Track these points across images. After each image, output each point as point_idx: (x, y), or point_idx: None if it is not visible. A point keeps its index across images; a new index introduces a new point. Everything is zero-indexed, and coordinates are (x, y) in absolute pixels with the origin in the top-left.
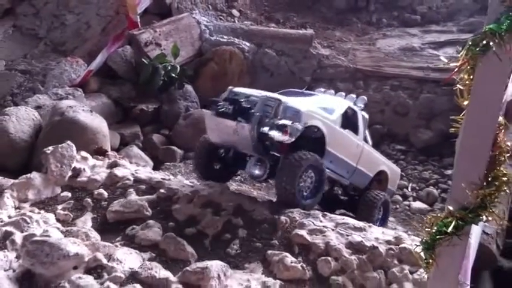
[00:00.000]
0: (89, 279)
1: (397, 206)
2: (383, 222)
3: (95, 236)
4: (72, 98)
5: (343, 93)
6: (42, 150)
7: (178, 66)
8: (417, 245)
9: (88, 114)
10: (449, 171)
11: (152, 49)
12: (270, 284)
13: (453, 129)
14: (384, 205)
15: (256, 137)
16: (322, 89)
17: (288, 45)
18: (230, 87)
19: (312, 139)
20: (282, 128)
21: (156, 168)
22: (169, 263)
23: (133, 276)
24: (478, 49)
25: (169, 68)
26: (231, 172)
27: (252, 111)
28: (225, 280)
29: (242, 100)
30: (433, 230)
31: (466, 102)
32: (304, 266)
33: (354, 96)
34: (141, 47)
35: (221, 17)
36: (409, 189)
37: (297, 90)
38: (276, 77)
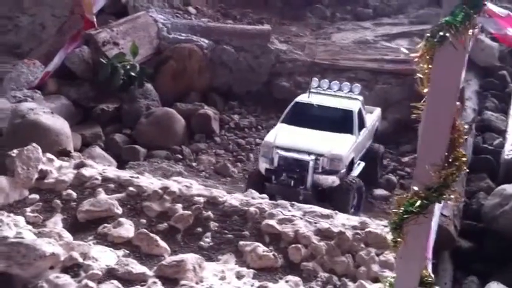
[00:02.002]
0: (66, 278)
1: None
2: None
3: (68, 236)
4: (31, 101)
5: (348, 83)
6: (5, 153)
7: (137, 65)
8: (385, 226)
9: (49, 116)
10: (406, 159)
11: (110, 48)
12: (244, 273)
13: (414, 116)
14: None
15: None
16: (327, 80)
17: (246, 41)
18: (276, 150)
19: None
20: (331, 174)
21: (120, 167)
22: (143, 258)
23: (110, 273)
24: (435, 40)
25: (128, 67)
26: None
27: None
28: (201, 272)
29: (298, 170)
30: (400, 210)
31: (425, 90)
32: (276, 254)
33: (348, 84)
34: (98, 46)
35: (178, 15)
36: None
37: (319, 91)
38: (235, 72)
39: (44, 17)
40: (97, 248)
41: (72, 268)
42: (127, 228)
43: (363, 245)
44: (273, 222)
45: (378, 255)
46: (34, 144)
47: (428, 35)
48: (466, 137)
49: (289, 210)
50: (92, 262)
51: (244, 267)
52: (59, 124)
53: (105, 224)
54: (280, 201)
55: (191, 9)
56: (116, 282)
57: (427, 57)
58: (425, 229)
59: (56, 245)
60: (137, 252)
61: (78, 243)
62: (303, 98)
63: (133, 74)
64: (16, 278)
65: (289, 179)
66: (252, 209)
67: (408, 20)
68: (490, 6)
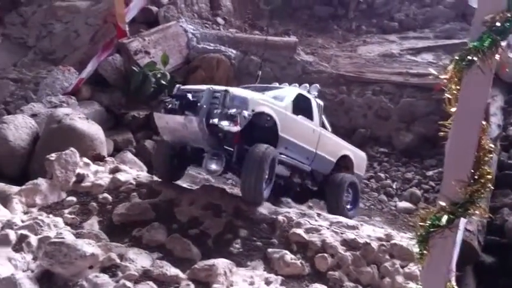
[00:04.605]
0: (105, 278)
1: (383, 206)
2: (354, 205)
3: (105, 237)
4: (66, 106)
5: (297, 85)
6: (41, 157)
7: (168, 74)
8: (411, 239)
9: (85, 121)
10: (430, 172)
11: (141, 57)
12: (272, 280)
13: (442, 133)
14: (351, 187)
15: (207, 130)
16: (276, 83)
17: (273, 52)
18: (178, 85)
19: (265, 128)
20: (231, 118)
21: (149, 173)
22: (176, 262)
23: (146, 274)
24: (464, 63)
25: (159, 75)
26: (183, 168)
27: (199, 104)
28: (231, 276)
29: (188, 94)
30: (427, 224)
31: (453, 109)
32: (303, 262)
33: (307, 85)
34: (131, 55)
35: (207, 25)
36: (394, 187)
37: (250, 85)
38: (262, 83)
39: (77, 25)
40: (133, 250)
41: (110, 268)
42: (160, 232)
43: (387, 257)
44: (300, 231)
45: (402, 267)
46: (72, 149)
47: (457, 58)
48: (491, 155)
49: (316, 220)
50: (129, 263)
51: (272, 274)
52: (94, 130)
53: (140, 228)
54: (307, 211)
55: (219, 19)
56: (151, 283)
57: (455, 79)
58: (451, 242)
59: (95, 246)
60: (170, 256)
61: (115, 245)
62: None
63: (163, 82)
64: (58, 277)
65: (176, 101)
66: (280, 217)
67: (434, 34)
68: None
